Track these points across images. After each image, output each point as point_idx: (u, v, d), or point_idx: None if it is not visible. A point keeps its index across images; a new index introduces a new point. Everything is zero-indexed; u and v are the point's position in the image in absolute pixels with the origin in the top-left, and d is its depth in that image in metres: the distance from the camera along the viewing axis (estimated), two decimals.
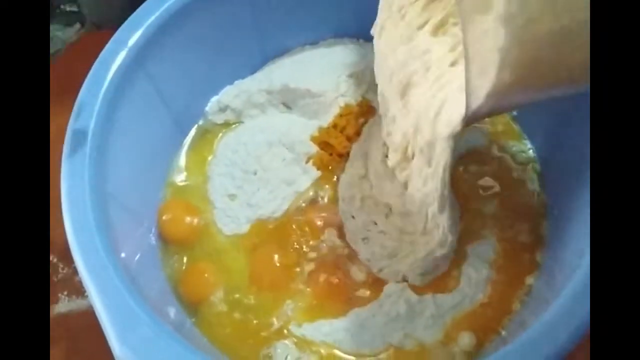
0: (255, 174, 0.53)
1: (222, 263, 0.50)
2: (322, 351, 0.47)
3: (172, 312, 0.48)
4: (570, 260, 0.43)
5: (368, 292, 0.48)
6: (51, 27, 0.69)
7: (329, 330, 0.47)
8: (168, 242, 0.51)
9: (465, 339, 0.46)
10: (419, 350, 0.46)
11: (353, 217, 0.51)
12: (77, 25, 0.71)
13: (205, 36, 0.53)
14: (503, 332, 0.46)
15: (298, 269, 0.50)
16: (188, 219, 0.52)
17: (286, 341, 0.47)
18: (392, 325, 0.46)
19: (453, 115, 0.39)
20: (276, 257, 0.50)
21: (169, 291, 0.49)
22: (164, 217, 0.52)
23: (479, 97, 0.34)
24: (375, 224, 0.50)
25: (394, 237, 0.49)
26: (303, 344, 0.47)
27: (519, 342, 0.37)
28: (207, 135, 0.56)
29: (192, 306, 0.49)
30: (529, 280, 0.48)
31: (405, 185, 0.48)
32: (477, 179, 0.52)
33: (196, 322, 0.48)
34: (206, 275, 0.50)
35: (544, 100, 0.38)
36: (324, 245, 0.50)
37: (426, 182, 0.44)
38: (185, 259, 0.51)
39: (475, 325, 0.46)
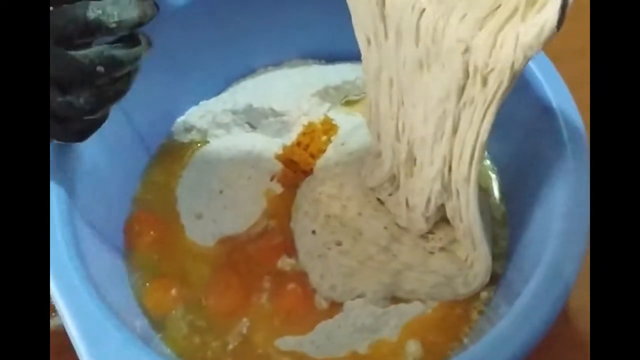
0: (221, 192, 0.54)
1: (186, 279, 0.51)
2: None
3: (139, 326, 0.48)
4: (527, 269, 0.44)
5: (328, 308, 0.49)
6: None
7: (294, 343, 0.48)
8: (135, 256, 0.52)
9: (412, 347, 0.47)
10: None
11: (314, 232, 0.51)
12: None
13: (170, 57, 0.53)
14: (465, 340, 0.47)
15: (258, 290, 0.50)
16: (153, 233, 0.52)
17: None
18: (358, 335, 0.47)
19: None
20: (235, 281, 0.50)
21: (135, 305, 0.50)
22: (131, 230, 0.52)
23: None
24: (339, 244, 0.50)
25: (359, 260, 0.50)
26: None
27: (469, 353, 0.39)
28: (173, 154, 0.57)
29: (158, 321, 0.49)
30: (484, 294, 0.49)
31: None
32: None
33: (162, 337, 0.48)
34: (171, 291, 0.50)
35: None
36: (284, 265, 0.51)
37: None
38: (151, 274, 0.51)
39: (433, 332, 0.47)
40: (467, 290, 0.48)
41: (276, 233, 0.52)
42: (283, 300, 0.50)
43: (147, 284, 0.51)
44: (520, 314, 0.39)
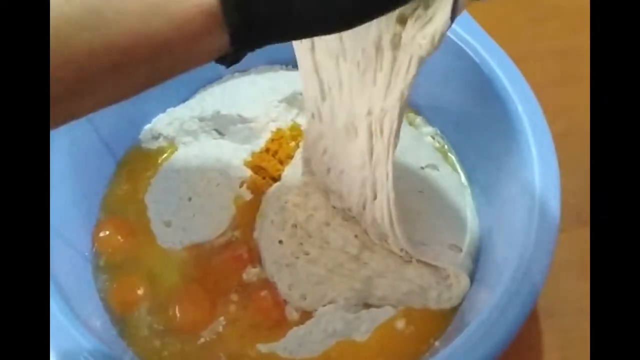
0: (190, 200, 0.53)
1: (154, 281, 0.50)
2: None
3: (100, 324, 0.48)
4: (496, 272, 0.45)
5: (299, 318, 0.49)
6: None
7: (266, 349, 0.48)
8: (103, 259, 0.51)
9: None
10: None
11: (281, 242, 0.51)
12: None
13: None
14: (436, 343, 0.47)
15: (225, 305, 0.49)
16: (121, 238, 0.52)
17: None
18: (330, 340, 0.47)
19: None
20: (201, 297, 0.50)
21: (98, 303, 0.49)
22: (100, 234, 0.52)
23: None
24: (307, 254, 0.50)
25: (328, 268, 0.49)
26: None
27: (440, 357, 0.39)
28: (141, 161, 0.57)
29: (120, 319, 0.49)
30: None
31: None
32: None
33: (123, 335, 0.48)
34: (137, 290, 0.50)
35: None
36: (250, 276, 0.51)
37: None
38: (118, 274, 0.51)
39: (404, 335, 0.48)
40: (437, 306, 0.48)
41: (240, 243, 0.52)
42: (253, 311, 0.49)
43: (115, 285, 0.51)
44: (490, 316, 0.40)
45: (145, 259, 0.51)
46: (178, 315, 0.49)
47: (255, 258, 0.51)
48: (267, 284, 0.50)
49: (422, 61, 0.37)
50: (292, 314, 0.49)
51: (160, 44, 0.31)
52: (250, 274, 0.50)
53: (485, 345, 0.39)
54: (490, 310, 0.40)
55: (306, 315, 0.49)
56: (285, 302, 0.49)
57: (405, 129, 0.56)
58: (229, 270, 0.51)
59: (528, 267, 0.41)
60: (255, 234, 0.52)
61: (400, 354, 0.47)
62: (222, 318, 0.49)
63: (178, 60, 0.34)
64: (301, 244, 0.50)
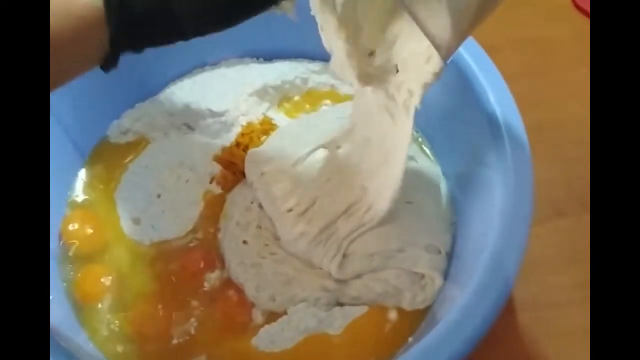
0: (159, 196, 0.52)
1: (120, 274, 0.50)
2: None
3: (62, 316, 0.47)
4: (470, 266, 0.44)
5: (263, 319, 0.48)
6: None
7: (241, 347, 0.47)
8: (70, 250, 0.50)
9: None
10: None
11: (245, 242, 0.50)
12: None
13: None
14: (410, 339, 0.47)
15: (187, 312, 0.48)
16: (91, 230, 0.51)
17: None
18: (302, 336, 0.46)
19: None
20: (160, 307, 0.49)
21: (62, 294, 0.49)
22: (69, 227, 0.51)
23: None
24: (274, 254, 0.49)
25: (296, 268, 0.49)
26: None
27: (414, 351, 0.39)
28: (110, 158, 0.55)
29: (83, 312, 0.48)
30: None
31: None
32: None
33: (85, 329, 0.48)
34: (102, 279, 0.49)
35: None
36: (212, 280, 0.49)
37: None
38: (84, 264, 0.50)
39: (378, 330, 0.47)
40: (410, 307, 0.48)
41: (200, 248, 0.51)
42: (219, 314, 0.48)
43: (79, 274, 0.50)
44: (462, 312, 0.39)
45: (114, 253, 0.51)
46: (136, 323, 0.48)
47: (215, 261, 0.50)
48: (230, 286, 0.49)
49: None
50: (258, 318, 0.48)
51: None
52: (212, 278, 0.49)
53: (456, 341, 0.38)
54: (462, 305, 0.39)
55: (273, 317, 0.48)
56: (252, 304, 0.48)
57: None
58: (188, 277, 0.49)
59: (500, 261, 0.41)
60: (220, 235, 0.51)
61: (374, 349, 0.46)
62: (193, 319, 0.48)
63: (62, 62, 0.34)
64: (267, 244, 0.49)
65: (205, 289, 0.49)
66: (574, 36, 0.69)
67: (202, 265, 0.50)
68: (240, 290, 0.49)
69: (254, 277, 0.48)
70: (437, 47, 0.38)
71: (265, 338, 0.47)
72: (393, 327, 0.47)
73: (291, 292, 0.48)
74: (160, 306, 0.48)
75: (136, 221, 0.52)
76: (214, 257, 0.50)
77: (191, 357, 0.47)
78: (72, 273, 0.50)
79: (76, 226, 0.51)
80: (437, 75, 0.41)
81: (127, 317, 0.48)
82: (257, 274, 0.48)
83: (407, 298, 0.48)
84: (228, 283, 0.49)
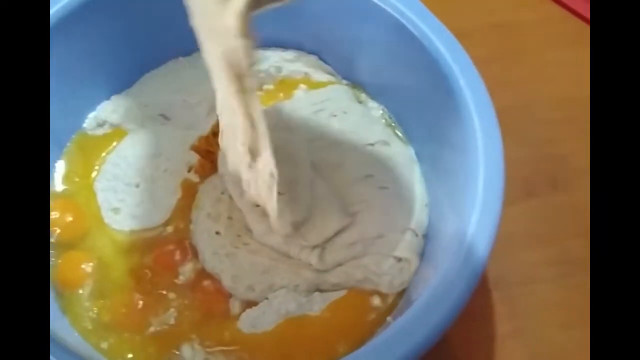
0: (137, 186, 0.53)
1: (101, 262, 0.50)
2: None
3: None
4: (443, 247, 0.45)
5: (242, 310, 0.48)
6: None
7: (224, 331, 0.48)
8: (54, 237, 0.51)
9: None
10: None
11: (218, 232, 0.50)
12: None
13: (79, 52, 0.52)
14: (388, 318, 0.48)
15: (165, 305, 0.49)
16: (71, 218, 0.52)
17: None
18: (282, 319, 0.47)
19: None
20: (138, 297, 0.49)
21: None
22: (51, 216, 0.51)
23: None
24: (247, 244, 0.50)
25: (272, 258, 0.49)
26: None
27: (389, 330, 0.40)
28: (87, 149, 0.56)
29: (64, 298, 0.49)
30: None
31: None
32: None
33: (66, 315, 0.48)
34: (82, 266, 0.50)
35: None
36: (187, 271, 0.50)
37: None
38: (65, 250, 0.51)
39: (357, 310, 0.48)
40: (389, 291, 0.49)
41: (171, 240, 0.51)
42: (198, 304, 0.49)
43: (60, 260, 0.50)
44: (436, 291, 0.40)
45: (95, 241, 0.51)
46: (114, 312, 0.48)
47: (188, 252, 0.50)
48: (206, 277, 0.49)
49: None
50: (235, 308, 0.48)
51: None
52: (186, 270, 0.50)
53: (430, 320, 0.39)
54: (436, 285, 0.40)
55: (251, 305, 0.48)
56: (229, 294, 0.49)
57: (354, 106, 0.56)
58: (163, 269, 0.50)
59: (473, 241, 0.41)
60: (192, 227, 0.51)
61: (353, 329, 0.47)
62: (172, 310, 0.48)
63: None
64: (239, 235, 0.50)
65: (180, 281, 0.49)
66: (541, 20, 0.71)
67: (176, 256, 0.50)
68: (216, 281, 0.49)
69: (229, 268, 0.48)
70: None
71: (247, 321, 0.47)
72: (372, 308, 0.48)
73: (269, 281, 0.48)
74: (138, 297, 0.49)
75: (116, 211, 0.52)
76: (188, 248, 0.50)
77: (175, 344, 0.47)
78: (53, 259, 0.50)
79: (57, 214, 0.51)
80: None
81: (106, 305, 0.48)
82: (232, 264, 0.49)
83: (385, 282, 0.48)
84: (203, 273, 0.49)
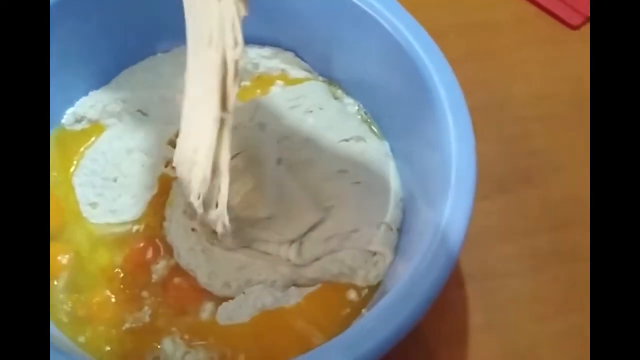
0: (115, 180, 0.53)
1: (78, 255, 0.50)
2: None
3: None
4: (417, 237, 0.46)
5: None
6: None
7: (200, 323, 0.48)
8: None
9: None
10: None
11: (194, 229, 0.50)
12: None
13: (55, 50, 0.52)
14: (363, 310, 0.49)
15: (139, 302, 0.49)
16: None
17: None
18: (258, 312, 0.48)
19: None
20: (111, 294, 0.49)
21: None
22: None
23: None
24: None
25: (247, 254, 0.49)
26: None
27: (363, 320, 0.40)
28: (65, 145, 0.56)
29: None
30: None
31: None
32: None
33: None
34: (59, 257, 0.50)
35: None
36: (160, 269, 0.50)
37: None
38: None
39: (332, 301, 0.49)
40: (364, 284, 0.49)
41: (150, 234, 0.51)
42: (172, 302, 0.49)
43: None
44: (407, 283, 0.41)
45: (73, 234, 0.51)
46: (88, 308, 0.48)
47: (161, 249, 0.50)
48: (179, 273, 0.49)
49: None
50: (205, 313, 0.48)
51: None
52: (159, 269, 0.50)
53: (402, 312, 0.40)
54: (408, 277, 0.41)
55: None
56: (203, 290, 0.49)
57: (330, 102, 0.57)
58: (136, 268, 0.50)
59: (445, 233, 0.42)
60: (166, 224, 0.51)
61: (329, 322, 0.48)
62: (146, 308, 0.48)
63: None
64: (215, 232, 0.49)
65: (153, 279, 0.49)
66: (515, 20, 0.72)
67: (149, 255, 0.50)
68: (190, 277, 0.49)
69: (205, 264, 0.49)
70: None
71: (223, 314, 0.48)
72: (348, 302, 0.49)
73: (246, 277, 0.48)
74: (111, 294, 0.49)
75: (94, 205, 0.52)
76: (160, 246, 0.51)
77: (155, 338, 0.47)
78: None
79: None
80: None
81: (80, 300, 0.48)
82: (208, 260, 0.49)
83: (360, 276, 0.49)
84: (175, 270, 0.50)
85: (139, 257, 0.50)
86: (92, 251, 0.50)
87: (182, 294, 0.49)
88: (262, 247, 0.49)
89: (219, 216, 0.43)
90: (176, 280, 0.49)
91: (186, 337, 0.47)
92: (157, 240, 0.51)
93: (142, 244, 0.51)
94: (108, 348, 0.47)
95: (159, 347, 0.47)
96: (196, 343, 0.47)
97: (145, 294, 0.49)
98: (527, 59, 0.69)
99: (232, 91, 0.39)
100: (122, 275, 0.49)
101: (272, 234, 0.49)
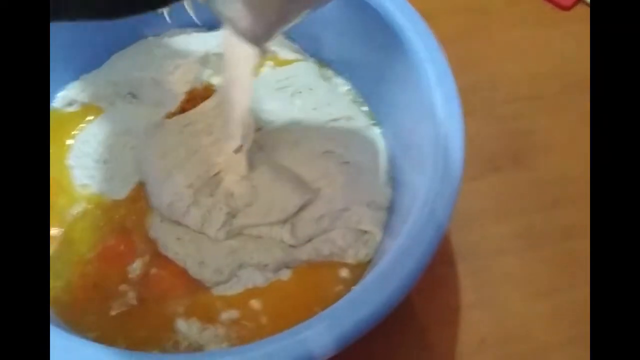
0: (105, 162, 0.53)
1: (67, 244, 0.50)
2: None
3: None
4: (404, 213, 0.46)
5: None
6: None
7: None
8: None
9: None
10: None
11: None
12: None
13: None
14: (354, 287, 0.48)
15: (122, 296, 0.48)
16: None
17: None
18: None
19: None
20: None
21: None
22: None
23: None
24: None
25: (240, 239, 0.49)
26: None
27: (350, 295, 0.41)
28: (58, 127, 0.56)
29: None
30: None
31: None
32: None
33: None
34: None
35: None
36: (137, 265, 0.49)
37: None
38: None
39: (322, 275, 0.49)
40: (354, 261, 0.50)
41: (119, 238, 0.50)
42: (159, 292, 0.48)
43: None
44: (395, 257, 0.41)
45: (66, 211, 0.51)
46: (72, 294, 0.48)
47: (135, 248, 0.50)
48: (157, 265, 0.49)
49: None
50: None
51: None
52: (135, 268, 0.49)
53: (388, 287, 0.40)
54: (394, 252, 0.41)
55: None
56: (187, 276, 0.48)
57: (319, 83, 0.57)
58: (110, 267, 0.49)
59: (432, 210, 0.43)
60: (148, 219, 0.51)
61: (321, 298, 0.48)
62: (132, 294, 0.48)
63: None
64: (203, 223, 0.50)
65: (130, 276, 0.49)
66: (506, 1, 0.72)
67: (124, 255, 0.49)
68: (169, 267, 0.49)
69: (194, 253, 0.48)
70: (239, 31, 0.38)
71: (216, 293, 0.48)
72: (339, 280, 0.49)
73: (238, 261, 0.48)
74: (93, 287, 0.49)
75: (85, 187, 0.52)
76: (135, 241, 0.50)
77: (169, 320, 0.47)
78: None
79: None
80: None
81: (62, 287, 0.48)
82: (197, 249, 0.48)
83: (351, 255, 0.50)
84: (155, 261, 0.49)
85: (113, 257, 0.49)
86: (82, 232, 0.50)
87: (166, 284, 0.48)
88: (254, 232, 0.50)
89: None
90: (152, 271, 0.49)
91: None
92: (132, 238, 0.50)
93: (112, 243, 0.50)
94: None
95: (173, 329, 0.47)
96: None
97: (124, 287, 0.48)
98: (519, 40, 0.69)
99: None
100: (98, 272, 0.49)
101: (258, 218, 0.49)
